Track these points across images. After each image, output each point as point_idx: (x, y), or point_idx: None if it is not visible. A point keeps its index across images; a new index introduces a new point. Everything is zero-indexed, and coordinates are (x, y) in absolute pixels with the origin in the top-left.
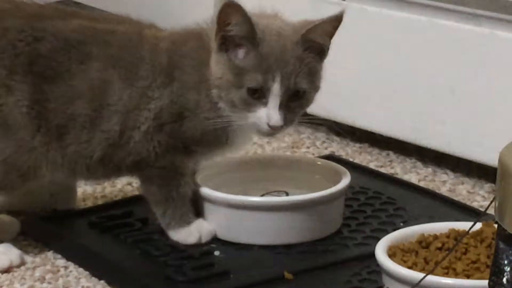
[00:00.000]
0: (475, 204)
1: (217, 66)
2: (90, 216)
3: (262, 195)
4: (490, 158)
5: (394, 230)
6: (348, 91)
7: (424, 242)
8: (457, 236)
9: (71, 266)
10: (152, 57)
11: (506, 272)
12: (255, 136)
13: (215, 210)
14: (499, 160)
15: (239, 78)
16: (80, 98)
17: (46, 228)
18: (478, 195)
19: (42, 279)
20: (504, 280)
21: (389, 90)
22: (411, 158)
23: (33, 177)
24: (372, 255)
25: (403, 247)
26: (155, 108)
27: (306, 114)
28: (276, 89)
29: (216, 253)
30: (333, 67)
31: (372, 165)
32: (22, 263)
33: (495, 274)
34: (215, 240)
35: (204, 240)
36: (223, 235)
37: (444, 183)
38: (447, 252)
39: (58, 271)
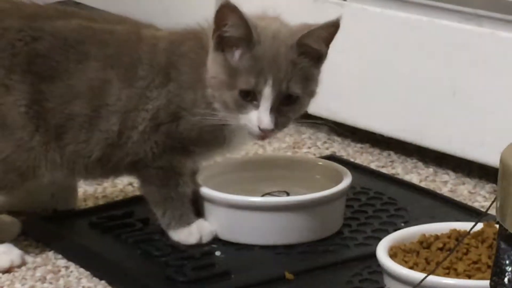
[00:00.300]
0: (476, 205)
1: (212, 65)
2: (91, 216)
3: (263, 195)
4: (491, 158)
5: (395, 230)
6: (349, 91)
7: (425, 243)
8: (458, 236)
9: (72, 266)
10: (150, 57)
11: (508, 272)
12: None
13: (216, 210)
14: (500, 161)
15: (233, 79)
16: (79, 98)
17: (47, 228)
18: (479, 196)
19: (43, 279)
20: (506, 280)
21: (390, 90)
22: (412, 158)
23: (32, 176)
24: (373, 256)
25: (404, 248)
26: (152, 109)
27: (307, 115)
28: (267, 92)
29: (217, 253)
30: (334, 67)
31: (373, 166)
32: (23, 263)
33: (496, 275)
34: (216, 240)
35: (204, 240)
36: (224, 235)
37: (445, 183)
38: (448, 252)
39: (59, 271)
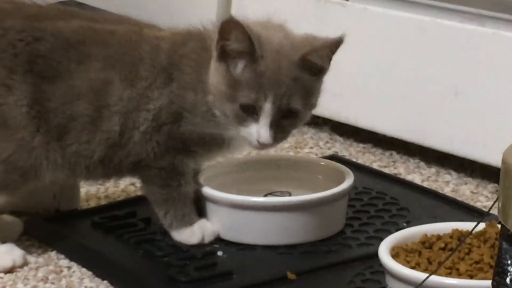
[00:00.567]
0: (478, 205)
1: (215, 74)
2: (93, 216)
3: (265, 195)
4: (494, 158)
5: (397, 230)
6: (351, 91)
7: (427, 243)
8: (460, 236)
9: (74, 266)
10: (152, 57)
11: (510, 272)
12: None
13: (218, 210)
14: (503, 161)
15: (234, 91)
16: (80, 99)
17: (49, 228)
18: (482, 195)
19: (45, 279)
20: (508, 280)
21: (392, 90)
22: (415, 158)
23: (34, 177)
24: (375, 256)
25: (406, 248)
26: (154, 109)
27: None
28: (268, 108)
29: (219, 253)
30: (336, 68)
31: (375, 165)
32: (25, 263)
33: (498, 275)
34: (218, 240)
35: (207, 240)
36: (226, 235)
37: (448, 183)
38: (450, 252)
39: (61, 271)
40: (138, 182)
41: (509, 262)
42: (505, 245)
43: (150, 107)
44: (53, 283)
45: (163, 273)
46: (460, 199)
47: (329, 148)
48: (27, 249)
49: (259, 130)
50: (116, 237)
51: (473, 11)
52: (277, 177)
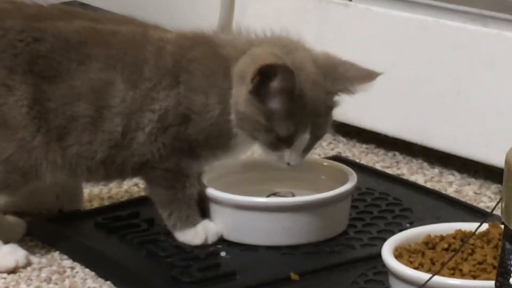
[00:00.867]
0: (481, 205)
1: (246, 104)
2: (97, 217)
3: (268, 196)
4: (497, 159)
5: (401, 231)
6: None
7: (430, 243)
8: (464, 237)
9: (78, 266)
10: (157, 58)
11: None
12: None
13: (221, 211)
14: (506, 161)
15: (269, 123)
16: (81, 99)
17: (53, 229)
18: (485, 196)
19: (48, 280)
20: (511, 280)
21: (395, 91)
22: (418, 159)
23: (34, 177)
24: (378, 256)
25: (409, 248)
26: (159, 110)
27: None
28: (305, 138)
29: (222, 254)
30: None
31: (378, 166)
32: (28, 263)
33: (501, 275)
34: (221, 241)
35: (210, 241)
36: (229, 236)
37: (451, 184)
38: (453, 253)
39: (65, 271)
40: (141, 183)
41: None
42: (508, 245)
43: (155, 107)
44: (56, 283)
45: (166, 273)
46: (463, 199)
47: (332, 149)
48: (30, 250)
49: (292, 154)
50: (119, 237)
51: (476, 12)
52: (280, 178)
